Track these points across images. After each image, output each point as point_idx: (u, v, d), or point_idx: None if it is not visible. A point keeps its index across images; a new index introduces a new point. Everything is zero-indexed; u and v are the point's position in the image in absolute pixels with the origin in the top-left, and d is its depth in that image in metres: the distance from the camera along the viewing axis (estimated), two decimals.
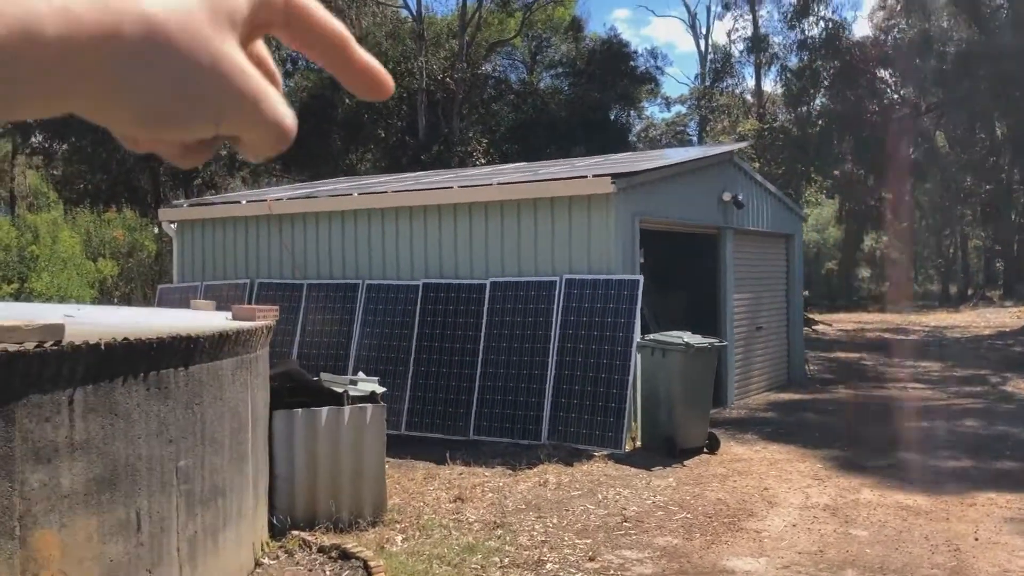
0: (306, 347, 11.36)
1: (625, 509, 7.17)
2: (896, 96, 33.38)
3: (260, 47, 0.54)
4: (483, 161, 28.09)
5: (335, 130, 29.99)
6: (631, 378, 9.26)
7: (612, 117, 34.31)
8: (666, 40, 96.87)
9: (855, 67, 30.69)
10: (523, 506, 7.23)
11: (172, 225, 13.39)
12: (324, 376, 7.64)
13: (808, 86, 32.47)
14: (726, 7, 40.46)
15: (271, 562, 5.89)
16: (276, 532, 6.26)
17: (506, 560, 5.89)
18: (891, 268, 47.59)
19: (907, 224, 40.86)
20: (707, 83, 42.96)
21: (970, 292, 42.12)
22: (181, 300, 12.49)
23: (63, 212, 16.74)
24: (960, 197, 39.40)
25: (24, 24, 0.41)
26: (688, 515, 7.02)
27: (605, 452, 9.03)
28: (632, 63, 35.55)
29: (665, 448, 9.07)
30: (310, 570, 5.75)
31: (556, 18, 35.48)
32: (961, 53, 28.19)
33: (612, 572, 5.71)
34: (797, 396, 13.59)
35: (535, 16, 34.12)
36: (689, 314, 13.39)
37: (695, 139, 43.67)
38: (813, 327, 22.92)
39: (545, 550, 6.14)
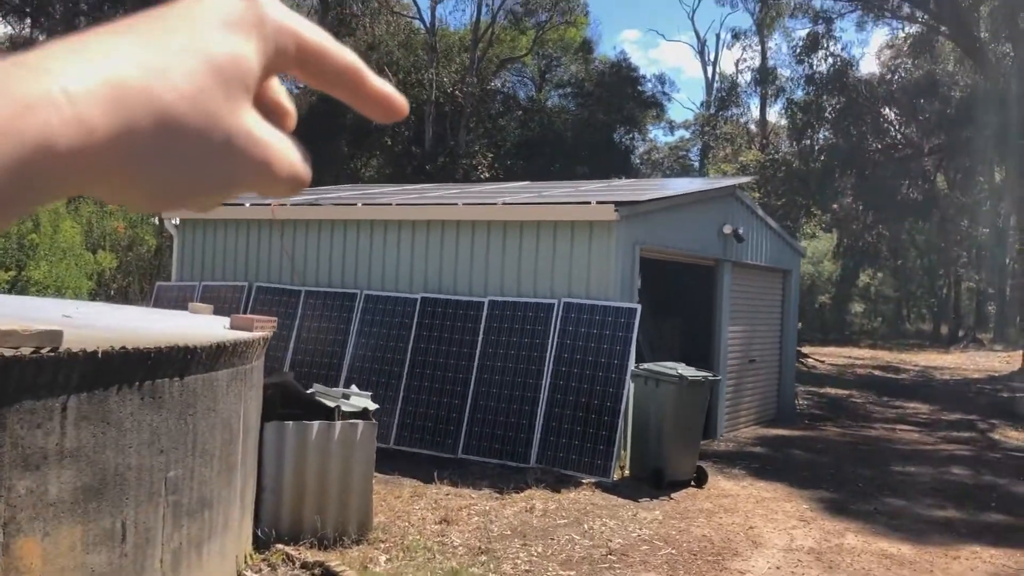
0: (300, 353, 11.34)
1: (611, 541, 7.15)
2: (899, 135, 33.55)
3: (274, 86, 0.54)
4: (487, 175, 28.15)
5: (341, 135, 30.02)
6: (623, 406, 9.25)
7: (616, 139, 34.42)
8: (674, 64, 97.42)
9: (860, 104, 30.85)
10: (508, 532, 7.21)
11: (174, 222, 13.37)
12: (317, 388, 7.63)
13: (813, 120, 32.62)
14: (735, 37, 40.81)
15: (253, 575, 5.86)
16: (260, 544, 6.23)
17: None
18: (884, 305, 47.75)
19: (902, 262, 41.03)
20: (712, 110, 43.17)
21: (961, 334, 42.26)
22: (178, 299, 12.46)
23: (66, 201, 16.69)
24: (956, 239, 39.58)
25: (37, 142, 0.40)
26: (673, 551, 7.01)
27: (593, 480, 9.01)
28: (640, 87, 35.73)
29: (653, 479, 9.06)
30: None
31: (567, 38, 35.66)
32: (965, 98, 28.35)
33: None
34: (786, 432, 13.59)
35: (547, 35, 34.27)
36: (683, 342, 13.41)
37: (697, 164, 43.86)
38: (804, 361, 22.95)
39: None
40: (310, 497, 6.59)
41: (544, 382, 9.71)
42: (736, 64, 45.37)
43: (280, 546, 6.25)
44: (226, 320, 7.08)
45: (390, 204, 11.59)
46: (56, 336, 4.18)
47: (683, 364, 9.52)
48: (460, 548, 6.71)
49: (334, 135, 30.43)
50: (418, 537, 6.85)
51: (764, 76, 35.90)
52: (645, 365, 9.38)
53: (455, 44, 33.14)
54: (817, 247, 39.77)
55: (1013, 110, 24.58)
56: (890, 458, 11.84)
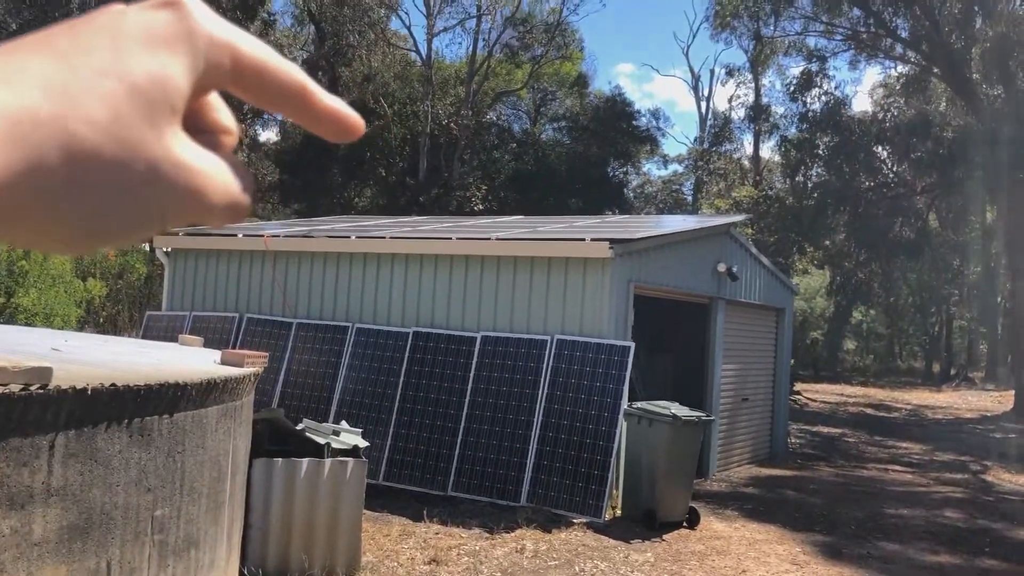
0: (290, 386, 11.26)
1: None
2: (891, 174, 33.82)
3: (211, 102, 0.49)
4: (481, 207, 28.21)
5: (335, 164, 30.10)
6: (616, 446, 9.19)
7: (610, 173, 34.60)
8: (668, 97, 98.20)
9: (853, 142, 31.11)
10: (499, 574, 7.11)
11: (165, 250, 13.32)
12: (307, 423, 7.55)
13: (806, 158, 32.88)
14: (729, 73, 41.10)
15: None
16: None
17: None
18: (876, 342, 47.83)
19: (894, 300, 41.17)
20: (706, 145, 43.47)
21: (952, 372, 42.33)
22: (168, 329, 12.39)
23: None
24: (948, 278, 39.78)
25: None
26: None
27: (584, 520, 8.92)
28: (634, 122, 35.97)
29: (645, 520, 8.97)
30: None
31: (563, 73, 35.96)
32: (957, 138, 28.62)
33: None
34: (779, 471, 13.51)
35: (543, 69, 34.55)
36: (676, 379, 13.38)
37: (690, 199, 44.06)
38: (796, 399, 22.91)
39: None
40: (297, 535, 6.50)
41: (536, 419, 9.65)
42: (730, 100, 45.84)
43: None
44: (217, 354, 7.02)
45: (384, 237, 11.57)
46: (45, 373, 4.13)
47: (676, 404, 9.48)
48: None
49: (327, 165, 30.52)
50: None
51: (758, 113, 36.21)
52: (638, 404, 9.33)
53: (451, 77, 33.37)
54: (809, 283, 39.90)
55: (1004, 150, 24.81)
56: (883, 500, 11.77)
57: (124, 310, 17.52)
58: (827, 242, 35.12)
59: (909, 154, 31.47)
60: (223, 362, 6.30)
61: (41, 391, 4.06)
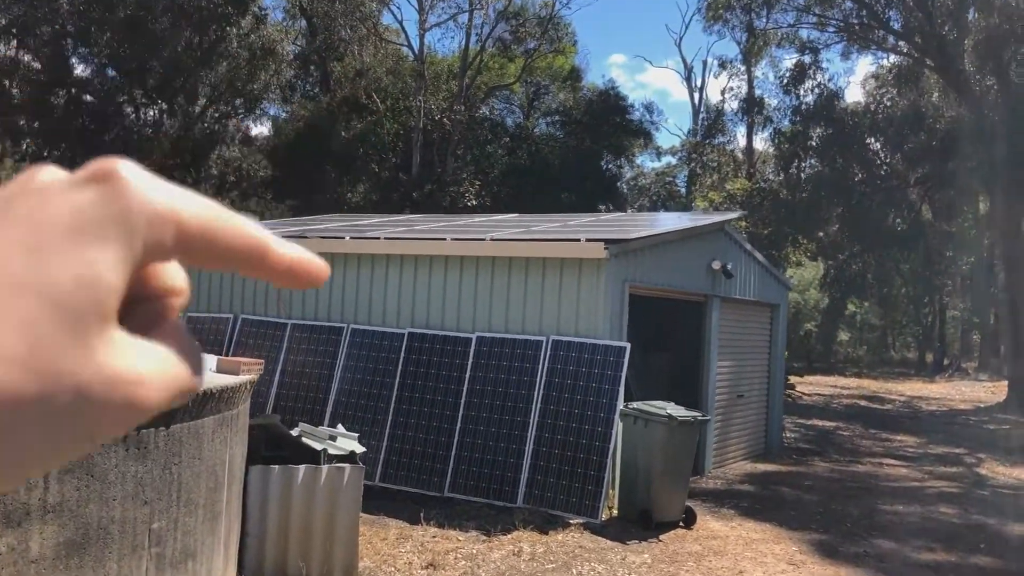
0: (285, 387, 11.23)
1: None
2: (884, 166, 33.86)
3: (157, 271, 0.44)
4: (474, 203, 28.17)
5: (329, 160, 30.01)
6: (612, 446, 9.20)
7: (604, 166, 34.57)
8: (660, 87, 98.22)
9: (846, 134, 31.14)
10: None
11: None
12: (304, 427, 7.54)
13: (799, 150, 32.90)
14: (722, 65, 41.09)
15: None
16: None
17: None
18: (870, 333, 47.99)
19: (887, 291, 41.27)
20: (699, 137, 43.45)
21: (946, 362, 42.45)
22: None
23: None
24: (941, 268, 39.89)
25: None
26: None
27: (581, 520, 8.93)
28: (628, 116, 35.93)
29: (641, 520, 8.99)
30: None
31: (556, 66, 35.88)
32: (950, 130, 28.66)
33: None
34: (774, 467, 13.55)
35: (535, 63, 34.48)
36: (671, 378, 13.37)
37: (683, 191, 44.06)
38: (791, 393, 22.96)
39: None
40: (295, 543, 6.49)
41: (532, 420, 9.65)
42: (723, 92, 45.68)
43: None
44: (212, 360, 6.99)
45: (378, 238, 11.54)
46: None
47: (672, 404, 9.48)
48: None
49: (321, 161, 30.43)
50: None
51: (751, 105, 36.19)
52: (634, 404, 9.34)
53: (444, 71, 33.28)
54: (803, 275, 39.99)
55: (997, 142, 24.84)
56: (878, 496, 11.81)
57: None
58: (820, 234, 35.19)
59: (902, 145, 31.52)
60: (219, 370, 6.28)
61: None
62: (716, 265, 12.15)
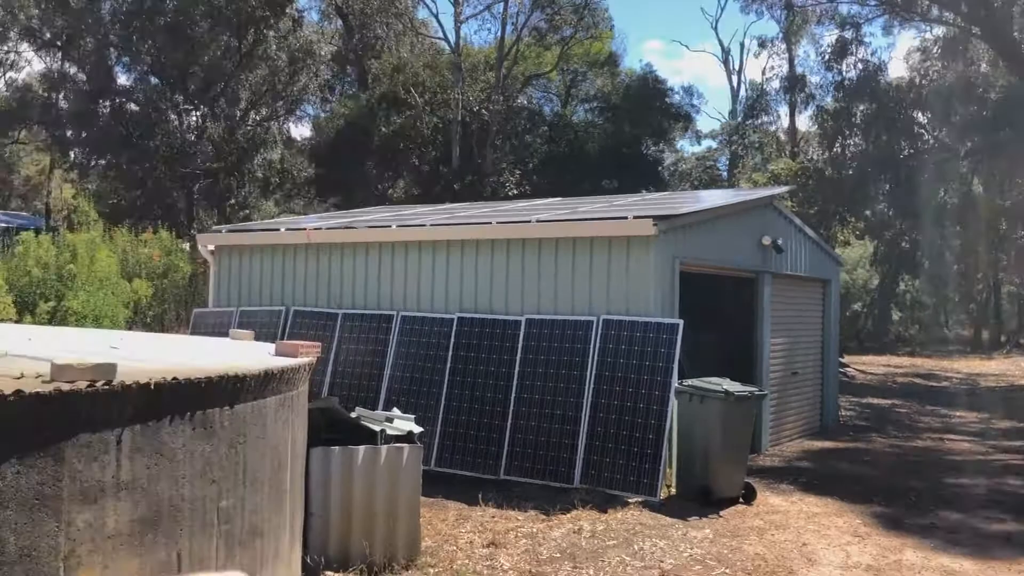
0: (339, 376, 11.33)
1: (662, 562, 7.02)
2: (932, 140, 33.12)
3: None
4: (515, 192, 28.15)
5: (369, 156, 30.20)
6: (668, 424, 9.12)
7: (644, 152, 34.30)
8: (698, 73, 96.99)
9: (891, 109, 30.51)
10: (558, 554, 7.10)
11: (209, 249, 13.46)
12: (361, 412, 7.59)
13: (844, 127, 32.30)
14: (761, 45, 40.51)
15: None
16: (309, 572, 6.18)
17: None
18: (921, 312, 47.01)
19: (939, 268, 40.39)
20: (739, 119, 42.92)
21: (1003, 339, 41.45)
22: (216, 325, 12.53)
23: (101, 231, 16.87)
24: (995, 242, 38.92)
25: None
26: (727, 570, 6.87)
27: (639, 499, 8.88)
28: (667, 99, 35.60)
29: (700, 497, 8.91)
30: None
31: (592, 52, 35.66)
32: (1000, 100, 27.92)
33: None
34: (831, 444, 13.35)
35: (572, 50, 34.31)
36: (722, 357, 13.21)
37: (725, 175, 43.58)
38: (845, 371, 22.60)
39: None
40: (357, 522, 6.54)
41: (585, 400, 9.61)
42: (763, 72, 45.11)
43: (329, 573, 6.20)
44: (270, 347, 7.07)
45: (424, 225, 11.57)
46: (110, 369, 4.17)
47: (728, 379, 9.37)
48: (510, 572, 6.62)
49: (362, 158, 30.64)
50: (467, 561, 6.77)
51: (793, 83, 35.64)
52: (689, 381, 9.25)
53: (480, 63, 33.26)
54: (850, 255, 39.32)
55: None
56: (942, 469, 11.58)
57: (170, 309, 17.75)
58: (867, 212, 34.55)
59: (950, 118, 30.79)
60: (278, 353, 6.34)
61: (106, 387, 4.11)
62: (766, 240, 11.99)
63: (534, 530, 7.76)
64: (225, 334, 9.33)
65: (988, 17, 25.54)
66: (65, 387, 3.95)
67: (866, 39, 33.78)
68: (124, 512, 4.24)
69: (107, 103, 34.45)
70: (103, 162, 36.49)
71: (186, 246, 19.20)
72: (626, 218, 9.93)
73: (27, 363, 4.53)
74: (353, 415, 7.35)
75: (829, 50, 31.92)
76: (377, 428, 7.04)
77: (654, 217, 9.61)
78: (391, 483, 6.65)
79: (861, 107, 31.60)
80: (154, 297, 17.15)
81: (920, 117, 32.87)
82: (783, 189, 15.73)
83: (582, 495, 8.85)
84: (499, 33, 32.56)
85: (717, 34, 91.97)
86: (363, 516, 6.54)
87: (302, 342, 6.69)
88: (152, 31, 29.08)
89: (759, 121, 42.50)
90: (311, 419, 6.61)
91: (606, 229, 9.96)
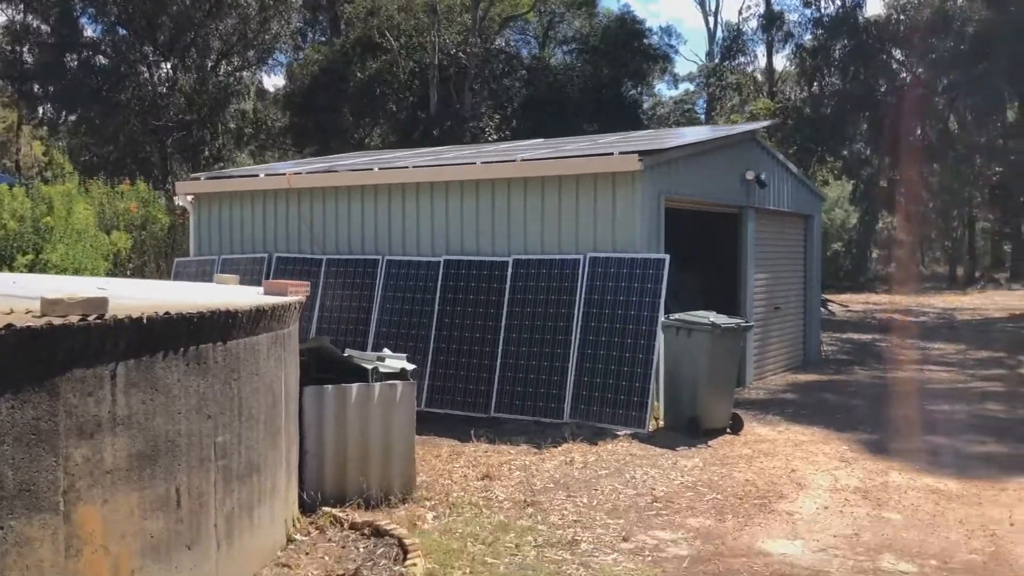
0: (325, 322, 11.30)
1: (654, 489, 7.12)
2: (909, 76, 33.08)
3: None
4: (495, 137, 27.90)
5: (345, 103, 29.76)
6: (655, 357, 9.19)
7: (623, 94, 34.02)
8: (673, 15, 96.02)
9: (869, 45, 30.40)
10: (551, 485, 7.19)
11: (189, 198, 13.29)
12: (352, 352, 7.58)
13: (822, 64, 32.17)
14: None
15: (303, 538, 5.85)
16: (306, 508, 6.22)
17: (540, 539, 5.85)
18: (899, 249, 47.41)
19: (916, 206, 40.63)
20: (716, 60, 42.61)
21: (977, 274, 41.94)
22: (198, 274, 12.43)
23: (78, 183, 16.57)
24: (970, 179, 39.15)
25: None
26: (718, 496, 6.98)
27: (628, 432, 8.98)
28: (645, 40, 35.22)
29: (688, 428, 9.02)
30: (343, 547, 5.71)
31: None
32: (977, 34, 27.87)
33: (648, 553, 5.66)
34: (815, 377, 13.53)
35: None
36: (706, 293, 13.28)
37: (703, 118, 43.40)
38: (827, 306, 22.82)
39: (578, 529, 6.09)
40: (353, 459, 6.57)
41: (574, 337, 9.65)
42: (740, 12, 44.65)
43: (326, 509, 6.23)
44: (256, 289, 7.02)
45: (407, 167, 11.46)
46: (101, 303, 4.12)
47: (714, 312, 9.43)
48: (506, 502, 6.69)
49: (338, 105, 30.18)
50: (462, 494, 6.83)
51: (771, 21, 35.36)
52: (676, 315, 9.30)
53: (456, 4, 32.66)
54: (829, 195, 39.40)
55: None
56: (923, 397, 11.78)
57: (151, 260, 17.57)
58: (844, 152, 34.59)
59: (928, 54, 30.73)
60: (266, 292, 6.30)
61: (99, 321, 4.06)
62: (750, 175, 11.98)
63: (527, 463, 7.84)
64: (208, 282, 9.26)
65: None
66: (57, 321, 3.91)
67: None
68: (122, 447, 4.23)
69: (74, 56, 33.65)
70: (73, 117, 35.76)
71: (163, 201, 18.94)
72: (611, 154, 9.88)
73: (16, 302, 4.47)
74: (345, 354, 7.34)
75: None
76: (369, 366, 7.03)
77: (639, 152, 9.56)
78: (385, 419, 6.67)
79: (839, 44, 31.44)
80: (133, 249, 16.95)
81: (898, 54, 32.77)
82: (766, 123, 15.69)
83: (572, 429, 8.94)
84: None
85: None
86: (358, 453, 6.57)
87: (291, 281, 6.66)
88: None
89: (736, 62, 42.22)
90: (302, 360, 6.60)
91: (592, 166, 9.91)
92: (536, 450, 8.32)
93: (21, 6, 34.19)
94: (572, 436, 8.70)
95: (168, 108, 31.55)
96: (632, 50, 33.78)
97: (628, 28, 34.36)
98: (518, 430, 9.12)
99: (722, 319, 9.14)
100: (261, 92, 38.40)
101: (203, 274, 12.23)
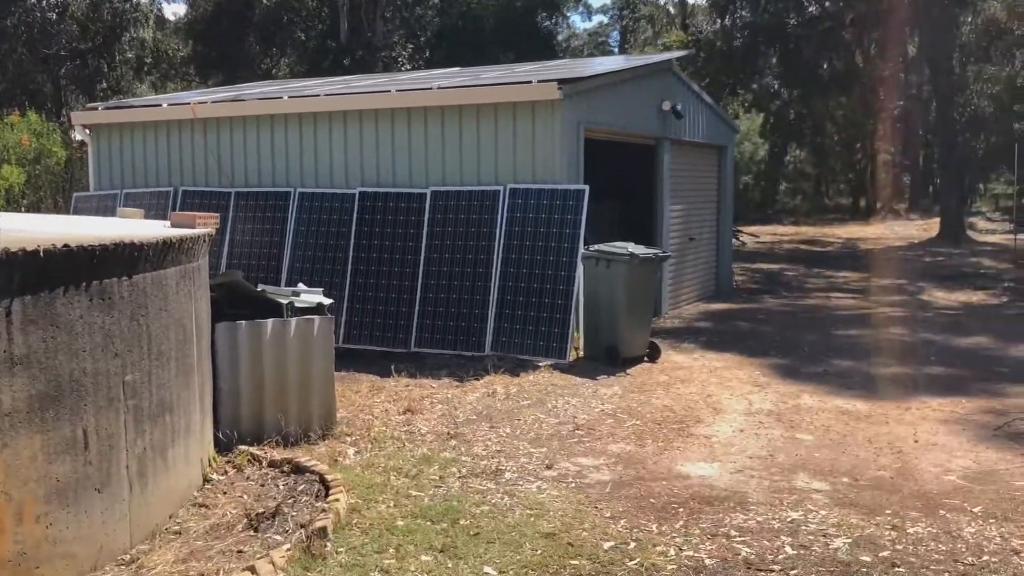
0: (235, 258, 10.94)
1: (576, 418, 7.18)
2: (818, 9, 33.47)
3: None
4: (408, 67, 27.22)
5: (251, 32, 28.56)
6: (575, 288, 9.20)
7: (538, 24, 33.57)
8: None
9: None
10: (474, 417, 7.17)
11: (86, 130, 12.58)
12: (266, 287, 7.35)
13: None
14: None
15: (220, 478, 5.70)
16: (222, 447, 6.06)
17: (464, 470, 5.83)
18: (805, 182, 48.63)
19: (820, 139, 41.60)
20: None
21: (878, 205, 43.38)
22: (99, 209, 11.84)
23: None
24: (873, 112, 40.21)
25: None
26: (638, 422, 7.08)
27: (549, 362, 9.02)
28: None
29: (608, 357, 9.11)
30: (262, 485, 5.58)
31: None
32: None
33: (571, 479, 5.71)
34: (727, 306, 13.83)
35: None
36: (622, 225, 13.37)
37: (616, 50, 43.29)
38: (738, 237, 23.29)
39: (502, 459, 6.10)
40: (270, 396, 6.40)
41: (494, 270, 9.58)
42: None
43: (244, 447, 6.08)
44: (162, 223, 6.69)
45: (318, 95, 11.06)
46: None
47: (632, 243, 9.47)
48: (428, 435, 6.65)
49: (243, 33, 28.96)
50: (384, 428, 6.76)
51: None
52: (595, 246, 9.31)
53: None
54: (739, 127, 39.94)
55: None
56: (830, 323, 12.17)
57: (47, 196, 16.67)
58: (755, 85, 35.00)
59: None
60: (174, 224, 6.01)
61: None
62: (666, 106, 11.97)
63: (449, 396, 7.80)
64: (115, 215, 8.81)
65: None
66: None
67: None
68: (21, 388, 3.99)
69: None
70: None
71: (59, 136, 17.92)
72: (530, 82, 9.70)
73: None
74: (259, 289, 7.10)
75: None
76: (284, 301, 6.83)
77: (559, 80, 9.42)
78: (302, 355, 6.51)
79: None
80: (27, 185, 16.06)
81: None
82: (680, 53, 15.68)
83: (494, 361, 8.93)
84: None
85: None
86: (275, 390, 6.41)
87: (199, 213, 6.37)
88: None
89: None
90: (214, 295, 6.36)
91: (510, 94, 9.72)
92: (458, 383, 8.28)
93: None
94: (494, 368, 8.69)
95: (59, 36, 29.74)
96: None
97: None
98: (440, 364, 9.06)
99: (640, 249, 9.20)
100: (161, 21, 36.52)
101: (105, 209, 11.66)
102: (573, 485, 5.60)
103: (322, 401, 6.62)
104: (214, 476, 5.69)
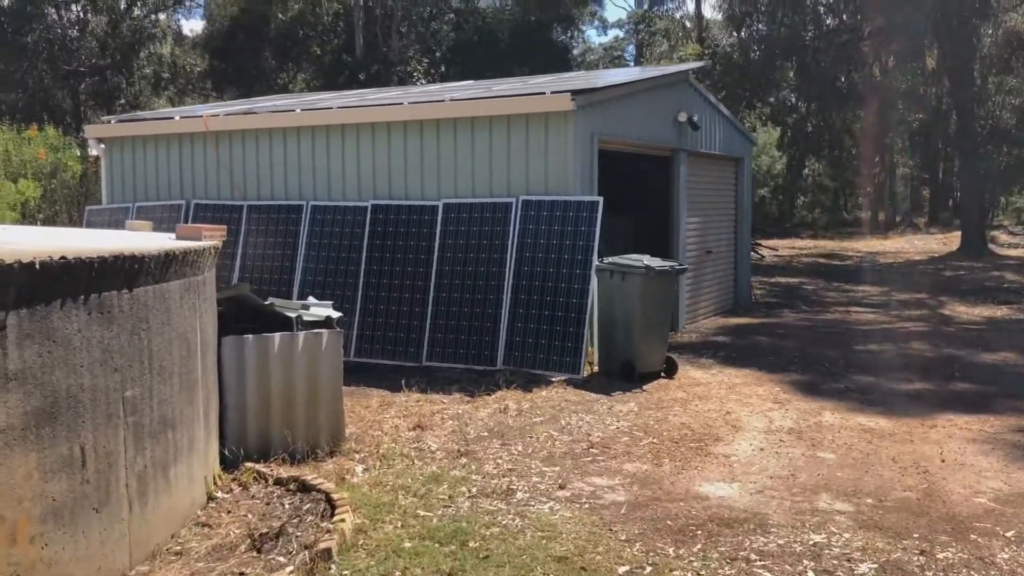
0: (247, 271, 10.85)
1: (590, 435, 7.00)
2: (836, 21, 33.24)
3: None
4: (424, 81, 27.22)
5: (267, 47, 28.66)
6: (589, 302, 9.04)
7: (553, 38, 33.54)
8: None
9: None
10: (486, 433, 7.00)
11: (100, 144, 12.56)
12: (275, 301, 7.22)
13: (750, 10, 32.08)
14: None
15: (225, 496, 5.56)
16: (228, 464, 5.92)
17: (474, 489, 5.67)
18: (823, 195, 48.28)
19: (839, 152, 41.30)
20: (645, 7, 42.31)
21: (897, 219, 42.99)
22: (111, 222, 11.80)
23: None
24: (892, 124, 39.86)
25: None
26: (654, 440, 6.89)
27: (563, 377, 8.85)
28: None
29: (623, 373, 8.92)
30: (267, 503, 5.44)
31: None
32: None
33: (585, 500, 5.53)
34: (746, 320, 13.61)
35: None
36: (638, 237, 13.19)
37: (632, 64, 43.22)
38: (757, 250, 23.05)
39: (513, 478, 5.93)
40: (277, 412, 6.27)
41: (506, 283, 9.43)
42: None
43: (249, 464, 5.94)
44: (170, 235, 6.60)
45: (331, 108, 10.98)
46: None
47: (648, 255, 9.30)
48: (438, 452, 6.49)
49: (259, 48, 29.07)
50: (393, 445, 6.61)
51: None
52: (610, 259, 9.14)
53: None
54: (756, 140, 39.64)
55: None
56: (851, 338, 11.93)
57: (62, 210, 16.70)
58: (771, 98, 34.76)
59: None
60: (179, 237, 5.90)
61: None
62: (683, 117, 11.81)
63: (460, 411, 7.64)
64: (120, 230, 8.74)
65: None
66: None
67: None
68: (15, 404, 3.86)
69: None
70: None
71: (77, 152, 17.98)
72: (544, 93, 9.58)
73: None
74: (267, 303, 6.98)
75: None
76: (293, 315, 6.70)
77: (572, 91, 9.29)
78: (311, 370, 6.37)
79: None
80: (43, 199, 16.09)
81: None
82: (697, 64, 15.52)
83: (506, 376, 8.76)
84: None
85: None
86: (282, 405, 6.27)
87: (206, 225, 6.26)
88: None
89: (665, 8, 42.02)
90: (221, 309, 6.24)
91: (523, 106, 9.60)
92: (469, 398, 8.13)
93: None
94: (506, 383, 8.52)
95: (79, 52, 29.98)
96: None
97: None
98: (451, 379, 8.91)
99: (656, 262, 9.02)
100: (179, 37, 36.80)
101: (117, 223, 11.61)
102: (587, 506, 5.42)
103: (330, 417, 6.48)
104: (218, 494, 5.55)
